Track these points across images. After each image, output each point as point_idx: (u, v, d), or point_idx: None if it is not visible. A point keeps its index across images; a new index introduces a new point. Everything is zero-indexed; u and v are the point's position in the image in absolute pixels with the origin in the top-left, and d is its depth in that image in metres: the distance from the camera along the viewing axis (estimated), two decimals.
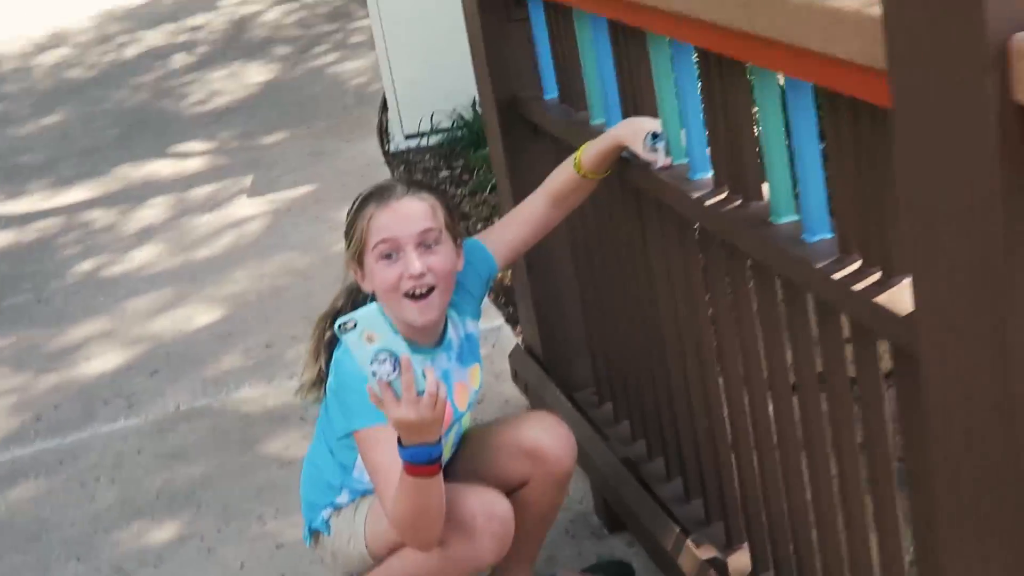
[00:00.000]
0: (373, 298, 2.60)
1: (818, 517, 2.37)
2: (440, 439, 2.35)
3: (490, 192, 5.74)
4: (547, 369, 3.69)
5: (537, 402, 3.71)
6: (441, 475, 2.39)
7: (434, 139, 6.69)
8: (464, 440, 2.82)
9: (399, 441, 2.34)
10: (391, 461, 2.43)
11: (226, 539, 3.59)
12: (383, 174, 6.48)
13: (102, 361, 4.94)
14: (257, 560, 3.46)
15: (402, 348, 2.22)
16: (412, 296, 2.56)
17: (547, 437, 2.80)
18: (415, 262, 2.55)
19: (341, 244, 5.58)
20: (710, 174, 2.52)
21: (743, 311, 2.46)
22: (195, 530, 3.66)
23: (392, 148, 6.80)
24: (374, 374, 2.22)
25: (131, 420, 4.43)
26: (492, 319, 4.67)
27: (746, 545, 2.78)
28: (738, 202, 2.35)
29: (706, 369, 2.73)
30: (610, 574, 3.03)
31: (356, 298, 2.68)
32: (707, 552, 2.78)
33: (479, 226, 5.62)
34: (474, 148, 6.27)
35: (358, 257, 2.61)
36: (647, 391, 3.18)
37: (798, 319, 2.24)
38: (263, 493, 3.79)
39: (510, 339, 4.47)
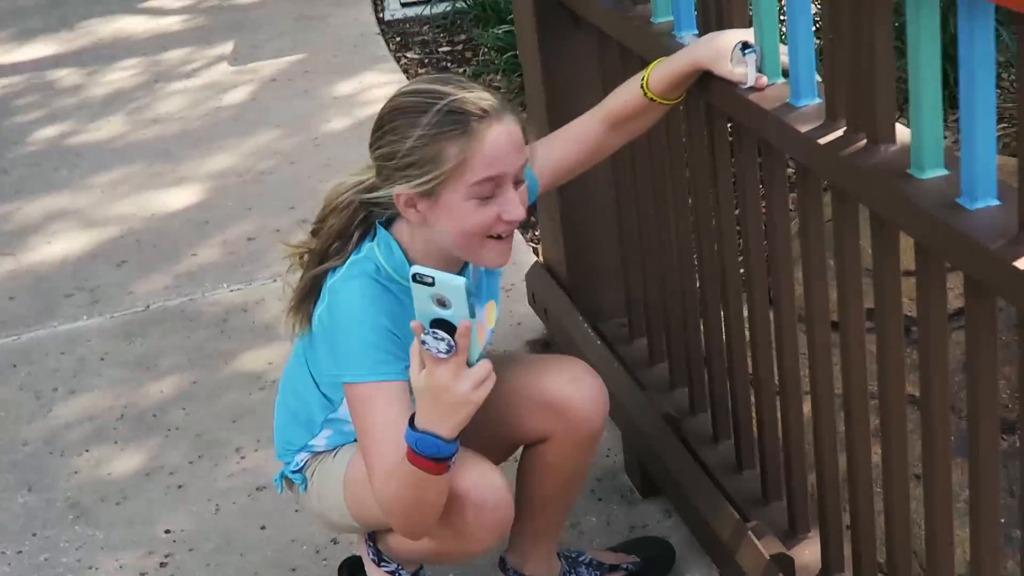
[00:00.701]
0: (380, 225, 2.12)
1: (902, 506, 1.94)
2: (457, 438, 1.93)
3: (501, 75, 5.21)
4: (570, 294, 3.23)
5: (557, 331, 3.26)
6: (449, 475, 1.97)
7: (435, 8, 6.13)
8: None
9: (411, 420, 1.92)
10: (390, 429, 2.01)
11: (198, 474, 3.15)
12: (377, 45, 5.93)
13: (63, 245, 4.45)
14: (233, 504, 3.03)
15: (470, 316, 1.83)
16: (497, 237, 2.09)
17: (576, 391, 2.35)
18: (518, 205, 2.07)
19: (333, 123, 5.26)
20: (816, 101, 2.04)
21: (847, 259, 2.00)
22: (163, 461, 3.22)
23: (387, 16, 6.25)
24: (424, 343, 1.83)
25: (94, 319, 3.96)
26: None
27: (816, 535, 2.36)
28: (863, 144, 1.87)
29: (781, 314, 2.28)
30: (648, 555, 2.60)
31: (361, 229, 2.16)
32: (769, 544, 2.36)
33: None
34: (481, 24, 5.71)
35: (431, 189, 2.03)
36: (692, 334, 2.73)
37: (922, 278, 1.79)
38: (242, 420, 3.34)
39: (523, 250, 4.00)
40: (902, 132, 1.84)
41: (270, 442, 3.12)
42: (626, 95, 2.32)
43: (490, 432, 2.31)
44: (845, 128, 1.91)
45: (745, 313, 2.45)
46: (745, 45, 2.11)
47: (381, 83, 5.47)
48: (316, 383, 2.25)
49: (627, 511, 2.76)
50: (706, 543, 2.56)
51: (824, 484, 2.26)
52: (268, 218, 4.41)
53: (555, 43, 3.01)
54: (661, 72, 2.25)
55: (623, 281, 3.07)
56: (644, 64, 2.60)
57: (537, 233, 4.09)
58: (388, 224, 2.14)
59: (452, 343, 1.82)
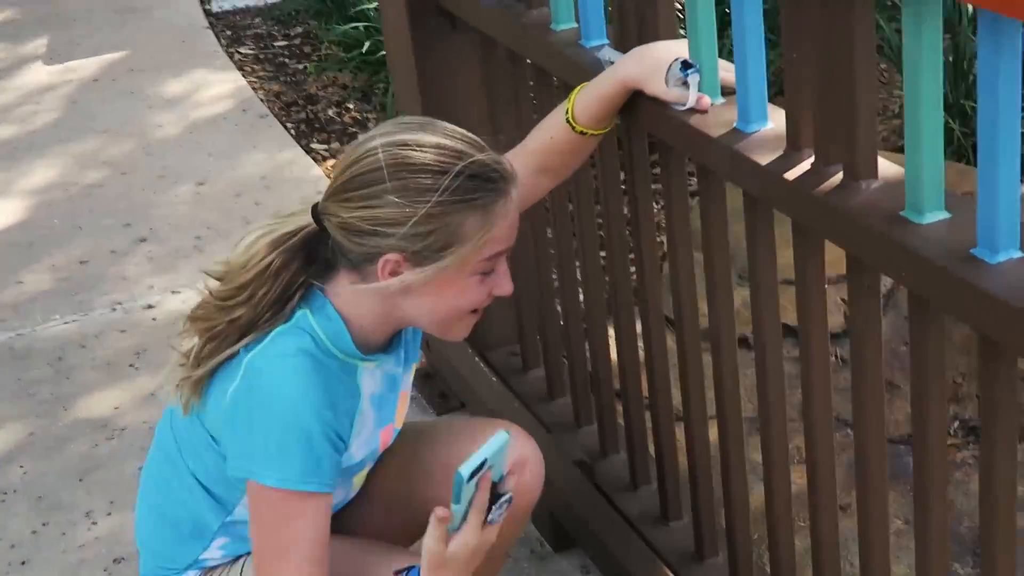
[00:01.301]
0: (317, 288, 1.81)
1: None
2: None
3: (351, 74, 4.88)
4: None
5: (441, 363, 2.97)
6: None
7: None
8: (388, 450, 2.03)
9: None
10: (310, 549, 1.72)
11: (44, 546, 2.77)
12: (206, 39, 5.53)
13: None
14: None
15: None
16: (473, 311, 1.83)
17: (517, 459, 2.04)
18: (510, 279, 1.82)
19: (166, 127, 4.84)
20: (768, 126, 1.79)
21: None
22: (0, 532, 2.83)
23: (215, 7, 5.83)
24: (491, 520, 1.70)
25: None
26: None
27: None
28: (839, 179, 1.62)
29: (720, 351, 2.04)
30: None
31: (300, 292, 1.81)
32: None
33: (330, 112, 4.78)
34: (322, 18, 5.35)
35: (428, 259, 1.72)
36: (600, 364, 2.48)
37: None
38: (90, 477, 2.97)
39: None
40: (884, 167, 1.60)
41: (127, 504, 2.78)
42: (550, 132, 2.01)
43: (408, 517, 2.02)
44: (813, 159, 1.67)
45: (672, 343, 2.21)
46: (685, 64, 1.84)
47: (215, 81, 5.07)
48: (199, 480, 1.88)
49: (538, 569, 2.49)
50: None
51: (775, 535, 2.03)
52: (101, 237, 4.00)
53: (431, 46, 2.72)
54: (587, 99, 1.96)
55: (512, 306, 2.80)
56: (540, 72, 2.33)
57: None
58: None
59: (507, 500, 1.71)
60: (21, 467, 3.02)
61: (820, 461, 1.84)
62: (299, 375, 1.72)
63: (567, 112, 1.97)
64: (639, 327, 2.29)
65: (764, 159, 1.72)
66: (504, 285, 1.81)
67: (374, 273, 1.74)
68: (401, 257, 1.72)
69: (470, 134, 1.78)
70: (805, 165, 1.67)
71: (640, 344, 2.30)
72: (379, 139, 1.74)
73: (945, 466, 1.61)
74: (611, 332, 2.43)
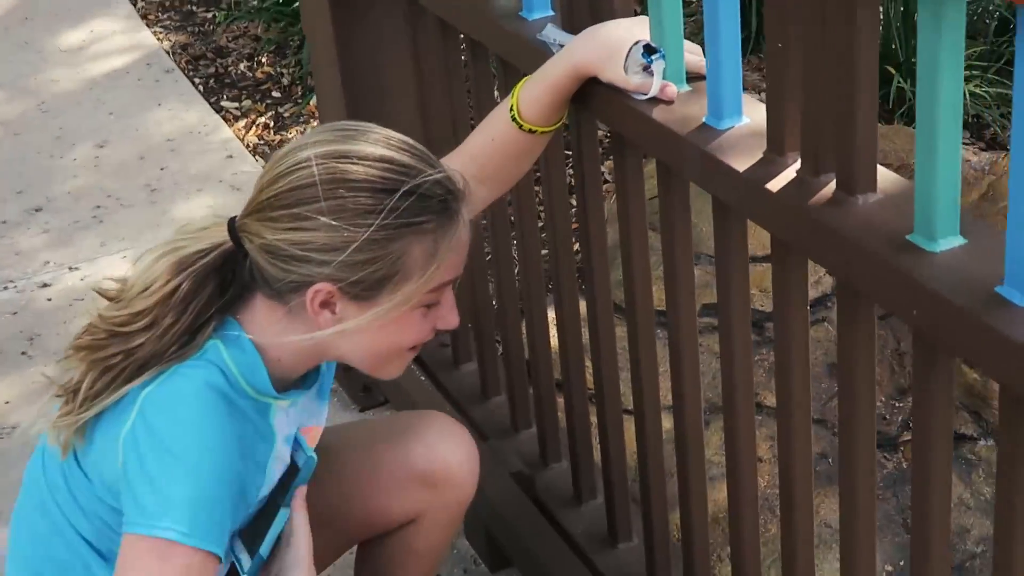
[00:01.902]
0: (232, 318, 1.56)
1: None
2: None
3: (253, 22, 4.56)
4: None
5: None
6: None
7: None
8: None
9: None
10: None
11: None
12: None
13: None
14: None
15: None
16: (412, 347, 1.61)
17: (447, 452, 1.89)
18: (455, 312, 1.62)
19: (62, 82, 4.49)
20: (744, 122, 1.56)
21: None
22: None
23: None
24: None
25: None
26: None
27: None
28: (832, 193, 1.39)
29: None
30: None
31: (213, 322, 1.55)
32: None
33: (242, 66, 4.47)
34: None
35: (366, 293, 1.49)
36: (540, 357, 2.25)
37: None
38: None
39: None
40: (885, 179, 1.38)
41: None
42: (492, 132, 1.76)
43: (345, 526, 1.84)
44: (799, 166, 1.44)
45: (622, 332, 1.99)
46: (648, 48, 1.60)
47: (116, 31, 4.74)
48: (80, 534, 1.61)
49: None
50: None
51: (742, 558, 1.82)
52: None
53: (351, 10, 2.45)
54: (533, 92, 1.70)
55: None
56: (476, 46, 2.08)
57: None
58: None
59: None
60: None
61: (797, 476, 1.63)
62: (207, 416, 1.48)
63: (512, 108, 1.71)
64: (584, 312, 2.06)
65: (741, 164, 1.49)
66: (450, 318, 1.60)
67: (301, 304, 1.49)
68: (335, 288, 1.47)
69: (417, 144, 1.54)
70: (790, 173, 1.44)
71: (585, 331, 2.07)
72: (312, 148, 1.48)
73: (873, 467, 1.46)
74: (552, 318, 2.21)
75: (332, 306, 1.49)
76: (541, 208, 2.26)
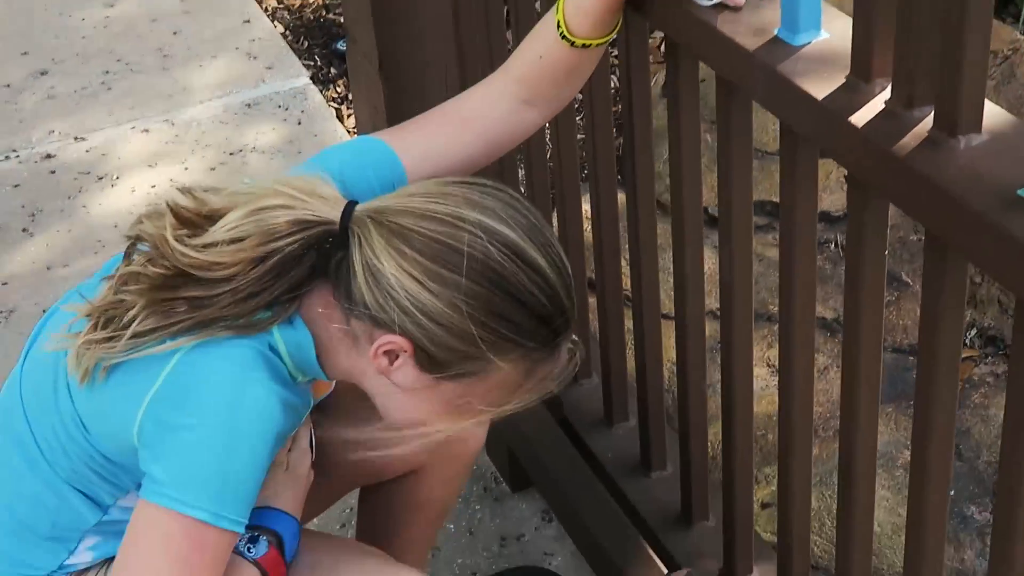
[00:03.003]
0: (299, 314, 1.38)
1: None
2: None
3: None
4: None
5: None
6: None
7: None
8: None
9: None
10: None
11: None
12: None
13: None
14: None
15: None
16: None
17: None
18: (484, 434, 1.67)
19: None
20: (823, 37, 1.36)
21: None
22: None
23: None
24: None
25: None
26: (288, 73, 3.39)
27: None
28: (928, 132, 1.20)
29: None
30: None
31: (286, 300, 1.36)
32: None
33: None
34: None
35: (440, 372, 1.33)
36: (573, 256, 2.07)
37: None
38: None
39: (322, 112, 3.24)
40: (993, 117, 1.19)
41: None
42: (539, 49, 1.53)
43: (343, 470, 1.70)
44: (888, 96, 1.24)
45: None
46: None
47: None
48: (64, 479, 1.44)
49: (494, 512, 2.14)
50: (603, 573, 1.97)
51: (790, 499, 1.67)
52: None
53: None
54: (581, 2, 1.49)
55: None
56: None
57: (342, 92, 3.33)
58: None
59: None
60: None
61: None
62: (265, 403, 1.31)
63: (559, 20, 1.51)
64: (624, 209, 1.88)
65: (818, 89, 1.29)
66: (478, 436, 1.55)
67: (368, 336, 1.32)
68: (411, 347, 1.30)
69: (564, 258, 1.35)
70: (877, 104, 1.25)
71: (623, 228, 1.89)
72: (488, 219, 1.30)
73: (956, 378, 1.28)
74: (586, 211, 2.03)
75: (395, 357, 1.32)
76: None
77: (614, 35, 1.54)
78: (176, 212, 1.34)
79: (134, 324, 1.33)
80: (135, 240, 1.37)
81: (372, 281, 1.29)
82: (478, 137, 1.54)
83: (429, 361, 1.31)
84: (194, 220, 1.34)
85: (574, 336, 1.39)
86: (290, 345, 1.35)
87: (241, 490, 1.32)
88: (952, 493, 2.25)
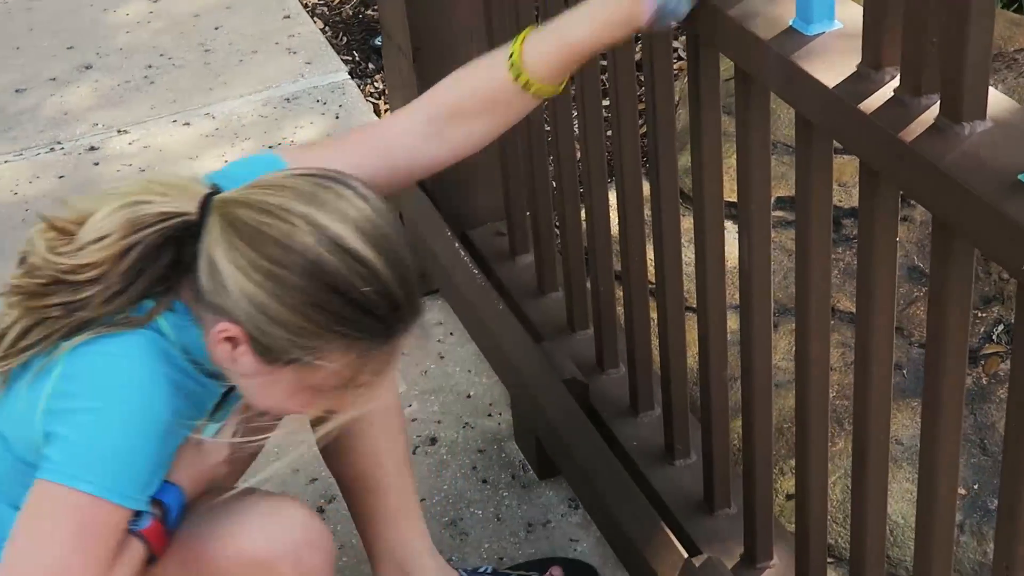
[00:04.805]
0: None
1: None
2: None
3: None
4: (430, 192, 2.55)
5: (416, 240, 2.59)
6: None
7: None
8: None
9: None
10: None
11: None
12: None
13: None
14: None
15: None
16: None
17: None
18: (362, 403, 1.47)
19: None
20: (836, 27, 1.38)
21: None
22: None
23: None
24: None
25: None
26: (327, 68, 3.44)
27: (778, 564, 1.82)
28: (934, 119, 1.23)
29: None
30: None
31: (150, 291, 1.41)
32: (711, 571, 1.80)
33: None
34: None
35: (275, 359, 1.37)
36: (601, 252, 2.11)
37: None
38: None
39: (360, 106, 3.28)
40: (997, 104, 1.21)
41: None
42: (476, 82, 1.57)
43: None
44: (897, 84, 1.27)
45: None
46: None
47: None
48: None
49: (521, 499, 2.16)
50: (626, 558, 1.99)
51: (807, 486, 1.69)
52: (41, 61, 3.57)
53: None
54: (542, 45, 1.52)
55: (501, 176, 2.42)
56: None
57: (380, 87, 3.37)
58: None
59: None
60: None
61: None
62: (150, 381, 1.38)
63: (512, 51, 1.53)
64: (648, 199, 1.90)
65: (830, 77, 1.32)
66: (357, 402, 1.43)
67: (212, 323, 1.37)
68: (244, 335, 1.35)
69: (403, 252, 1.38)
70: (886, 92, 1.27)
71: (648, 218, 1.92)
72: (316, 212, 1.34)
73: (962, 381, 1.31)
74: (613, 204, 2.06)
75: (236, 344, 1.37)
76: (605, 85, 2.09)
77: (556, 92, 1.57)
78: (51, 223, 1.41)
79: (21, 340, 1.40)
80: (23, 256, 1.44)
81: (210, 271, 1.35)
82: (385, 164, 1.57)
83: (263, 349, 1.35)
84: (68, 228, 1.41)
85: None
86: (175, 329, 1.40)
87: (134, 467, 1.37)
88: (976, 487, 2.26)
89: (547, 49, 1.52)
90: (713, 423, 1.87)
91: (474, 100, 1.56)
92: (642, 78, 1.78)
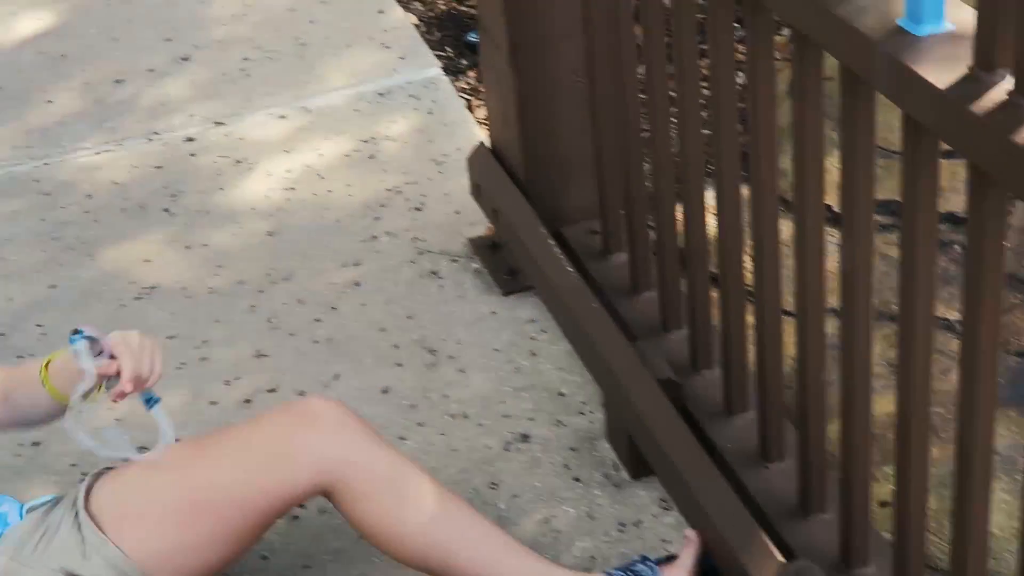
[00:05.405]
0: None
1: None
2: None
3: None
4: (525, 189, 2.55)
5: (509, 236, 2.59)
6: None
7: None
8: None
9: None
10: None
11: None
12: None
13: None
14: None
15: None
16: None
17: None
18: None
19: None
20: (948, 29, 1.36)
21: None
22: None
23: None
24: None
25: None
26: (420, 63, 3.44)
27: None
28: None
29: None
30: None
31: None
32: None
33: None
34: None
35: None
36: (698, 252, 2.09)
37: None
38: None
39: (452, 102, 3.28)
40: None
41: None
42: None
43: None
44: (1010, 86, 1.24)
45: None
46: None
47: None
48: None
49: (613, 498, 2.16)
50: (720, 561, 1.97)
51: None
52: (139, 53, 3.61)
53: None
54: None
55: (595, 174, 2.41)
56: None
57: (475, 86, 3.37)
58: None
59: None
60: (39, 326, 2.71)
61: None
62: None
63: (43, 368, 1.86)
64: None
65: (940, 78, 1.29)
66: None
67: None
68: None
69: None
70: (998, 93, 1.25)
71: (746, 220, 1.90)
72: None
73: None
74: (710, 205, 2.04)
75: None
76: (705, 84, 2.07)
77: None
78: None
79: None
80: None
81: None
82: None
83: None
84: None
85: None
86: None
87: None
88: None
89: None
90: (810, 428, 1.85)
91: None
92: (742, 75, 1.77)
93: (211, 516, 1.82)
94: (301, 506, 2.08)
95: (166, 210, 3.01)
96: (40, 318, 2.73)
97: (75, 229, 2.98)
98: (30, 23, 3.82)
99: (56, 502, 1.89)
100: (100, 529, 1.79)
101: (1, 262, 2.90)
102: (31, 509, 1.89)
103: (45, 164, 3.22)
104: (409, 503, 1.85)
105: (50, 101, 3.46)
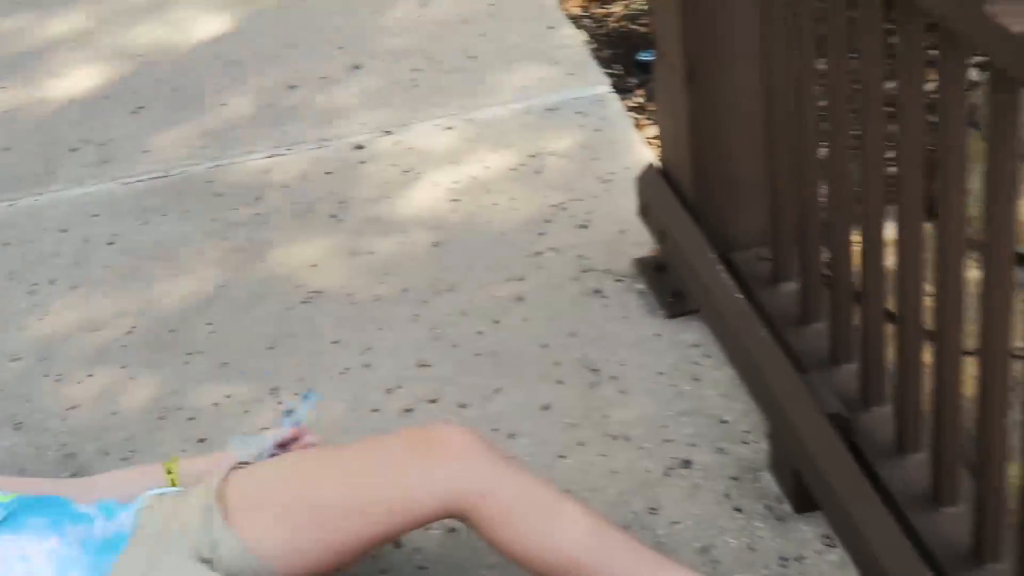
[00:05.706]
0: None
1: None
2: None
3: None
4: (695, 212, 2.53)
5: (676, 259, 2.58)
6: None
7: None
8: None
9: None
10: None
11: (223, 424, 2.52)
12: None
13: (70, 82, 3.76)
14: None
15: None
16: None
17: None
18: None
19: None
20: None
21: None
22: (181, 400, 2.58)
23: None
24: None
25: (103, 183, 3.29)
26: (589, 80, 3.44)
27: None
28: None
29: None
30: None
31: None
32: None
33: None
34: None
35: None
36: (872, 283, 2.04)
37: None
38: (280, 347, 2.68)
39: (620, 120, 3.27)
40: None
41: (315, 383, 2.50)
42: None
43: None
44: None
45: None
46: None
47: None
48: None
49: (775, 531, 2.12)
50: None
51: None
52: (313, 60, 3.68)
53: None
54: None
55: (768, 200, 2.38)
56: None
57: (643, 105, 3.36)
58: None
59: None
60: (209, 324, 2.77)
61: None
62: None
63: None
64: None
65: None
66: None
67: None
68: None
69: None
70: None
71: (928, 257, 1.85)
72: None
73: None
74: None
75: None
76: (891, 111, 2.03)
77: None
78: None
79: None
80: None
81: None
82: None
83: None
84: None
85: None
86: None
87: None
88: None
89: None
90: (988, 472, 1.79)
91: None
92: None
93: (327, 525, 1.87)
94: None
95: (334, 216, 3.05)
96: (210, 316, 2.79)
97: (245, 231, 3.05)
98: (208, 28, 3.92)
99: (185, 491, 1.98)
100: (226, 521, 1.85)
101: (174, 260, 2.97)
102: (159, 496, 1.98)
103: (218, 166, 3.29)
104: (547, 526, 1.85)
105: (224, 104, 3.55)
